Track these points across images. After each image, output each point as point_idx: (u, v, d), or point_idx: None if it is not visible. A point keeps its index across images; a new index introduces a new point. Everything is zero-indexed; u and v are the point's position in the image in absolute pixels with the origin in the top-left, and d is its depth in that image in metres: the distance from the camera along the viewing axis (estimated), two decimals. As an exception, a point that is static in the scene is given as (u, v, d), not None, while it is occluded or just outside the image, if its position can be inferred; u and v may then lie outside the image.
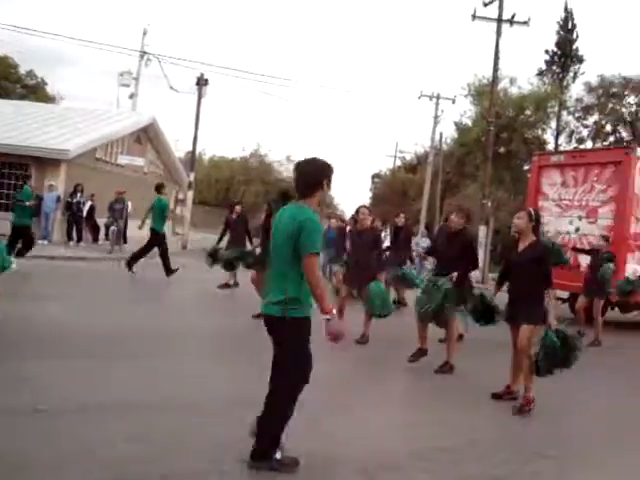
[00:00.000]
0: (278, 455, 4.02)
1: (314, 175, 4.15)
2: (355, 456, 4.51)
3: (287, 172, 50.64)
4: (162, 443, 4.33)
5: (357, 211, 9.66)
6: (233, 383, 6.06)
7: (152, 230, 14.13)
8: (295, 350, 3.99)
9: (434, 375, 7.39)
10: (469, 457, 4.79)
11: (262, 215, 11.54)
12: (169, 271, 13.78)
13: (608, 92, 38.29)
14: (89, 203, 20.99)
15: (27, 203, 13.39)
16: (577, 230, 13.10)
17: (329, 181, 4.18)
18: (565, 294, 13.30)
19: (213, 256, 12.44)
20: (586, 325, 10.90)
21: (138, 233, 15.51)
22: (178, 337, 7.93)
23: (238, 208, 13.64)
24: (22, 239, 13.02)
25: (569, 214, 13.57)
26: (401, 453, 4.71)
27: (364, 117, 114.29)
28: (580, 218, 13.23)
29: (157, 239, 13.92)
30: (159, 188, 14.60)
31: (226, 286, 12.85)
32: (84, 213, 20.49)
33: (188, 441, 4.40)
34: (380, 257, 9.22)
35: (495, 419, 5.95)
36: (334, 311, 4.03)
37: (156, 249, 14.01)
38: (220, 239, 13.16)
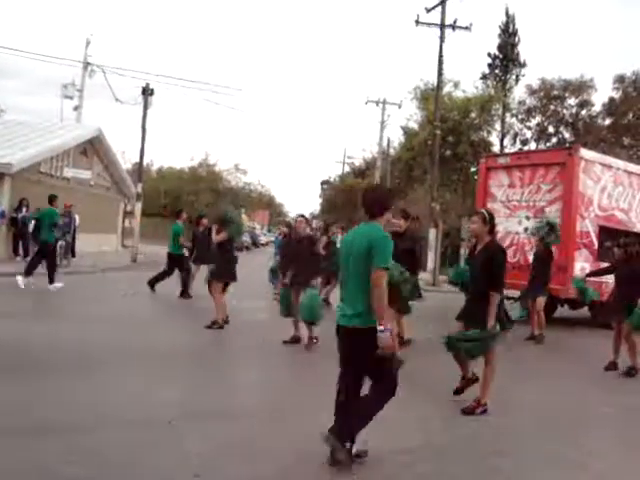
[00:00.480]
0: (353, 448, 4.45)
1: (385, 199, 4.75)
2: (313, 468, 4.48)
3: (235, 181, 50.58)
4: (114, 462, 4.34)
5: (295, 220, 9.89)
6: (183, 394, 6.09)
7: (42, 241, 13.63)
8: (379, 357, 4.34)
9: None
10: (424, 457, 4.85)
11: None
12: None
13: (549, 94, 39.38)
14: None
15: None
16: (526, 230, 13.39)
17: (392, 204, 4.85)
18: (516, 293, 13.64)
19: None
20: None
21: (86, 247, 15.36)
22: (128, 352, 7.87)
23: (205, 221, 13.60)
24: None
25: (517, 214, 13.90)
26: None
27: (312, 125, 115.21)
28: (528, 218, 13.54)
29: (47, 249, 13.49)
30: (51, 199, 14.20)
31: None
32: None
33: (141, 459, 4.43)
34: (317, 264, 9.39)
35: (447, 419, 6.04)
36: (389, 325, 4.35)
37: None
38: (191, 254, 13.26)
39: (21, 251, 19.63)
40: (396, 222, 7.82)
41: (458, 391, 6.62)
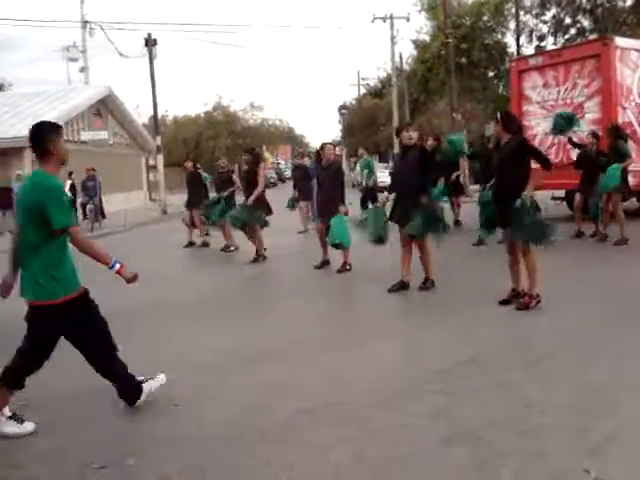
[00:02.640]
0: None
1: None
2: (367, 390, 4.47)
3: (252, 119, 49.97)
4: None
5: (321, 147, 9.78)
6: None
7: None
8: None
9: (423, 296, 7.43)
10: (477, 370, 4.76)
11: (243, 166, 11.60)
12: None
13: (562, -18, 37.62)
14: (68, 182, 20.67)
15: None
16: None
17: None
18: (561, 193, 13.37)
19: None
20: (584, 222, 11.03)
21: (115, 206, 15.34)
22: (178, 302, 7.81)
23: (188, 164, 13.56)
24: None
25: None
26: (412, 379, 4.66)
27: (323, 51, 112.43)
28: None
29: None
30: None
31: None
32: (67, 194, 20.20)
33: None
34: (342, 190, 9.38)
35: (493, 328, 5.95)
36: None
37: None
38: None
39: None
40: (406, 135, 7.62)
41: (505, 301, 6.59)
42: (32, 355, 4.03)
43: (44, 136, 4.07)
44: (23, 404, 4.30)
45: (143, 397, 4.34)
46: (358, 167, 18.73)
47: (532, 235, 6.27)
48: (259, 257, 10.74)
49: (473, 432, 3.68)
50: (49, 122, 4.25)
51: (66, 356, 4.27)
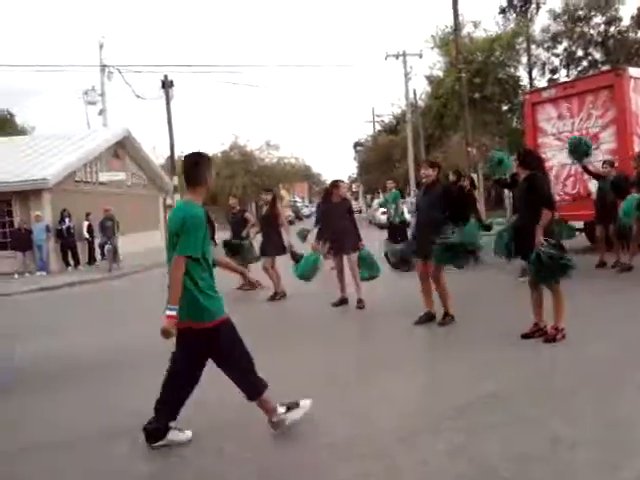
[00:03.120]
0: None
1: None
2: (389, 426, 4.38)
3: (269, 158, 50.35)
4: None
5: (334, 184, 9.77)
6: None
7: None
8: None
9: (444, 332, 7.34)
10: (499, 406, 4.66)
11: (263, 206, 11.69)
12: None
13: (573, 16, 37.91)
14: (86, 223, 20.95)
15: None
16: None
17: None
18: (580, 224, 13.27)
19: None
20: (608, 252, 11.04)
21: (131, 247, 15.43)
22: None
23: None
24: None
25: None
26: (433, 415, 4.57)
27: (337, 89, 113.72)
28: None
29: None
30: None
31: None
32: (85, 234, 20.65)
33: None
34: (355, 225, 9.54)
35: (517, 362, 5.83)
36: None
37: None
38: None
39: (71, 260, 19.95)
40: (424, 173, 7.74)
41: (527, 336, 6.52)
42: (185, 380, 4.26)
43: (202, 166, 4.20)
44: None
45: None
46: (375, 203, 18.94)
47: (551, 276, 6.26)
48: (277, 294, 10.74)
49: (494, 469, 3.57)
50: (205, 153, 4.34)
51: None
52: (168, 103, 25.80)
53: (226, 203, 15.52)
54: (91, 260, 21.09)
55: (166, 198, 32.04)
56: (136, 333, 8.51)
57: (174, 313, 3.94)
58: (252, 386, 4.23)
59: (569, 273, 6.28)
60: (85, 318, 10.84)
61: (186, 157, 4.23)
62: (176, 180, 26.21)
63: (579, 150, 10.18)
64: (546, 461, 3.64)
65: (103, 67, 31.01)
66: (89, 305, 12.77)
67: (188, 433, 4.35)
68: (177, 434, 4.30)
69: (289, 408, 4.37)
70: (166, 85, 25.67)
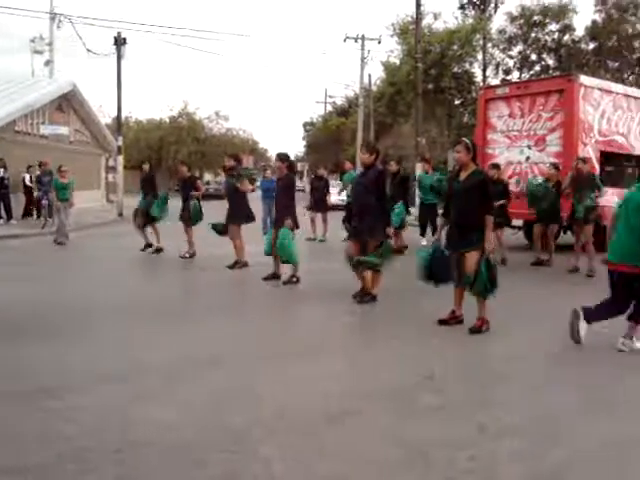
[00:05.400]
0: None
1: None
2: (315, 404, 4.39)
3: (217, 128, 49.74)
4: (113, 417, 4.10)
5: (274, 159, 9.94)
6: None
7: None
8: None
9: (372, 312, 7.46)
10: (427, 391, 4.71)
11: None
12: None
13: (529, 21, 38.53)
14: (27, 176, 20.28)
15: None
16: (527, 159, 13.60)
17: None
18: (520, 222, 13.61)
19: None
20: (542, 251, 11.45)
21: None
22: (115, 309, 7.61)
23: (145, 167, 13.54)
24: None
25: (518, 144, 13.90)
26: (359, 396, 4.58)
27: (292, 66, 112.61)
28: (529, 147, 13.66)
29: None
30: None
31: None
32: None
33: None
34: (291, 203, 9.35)
35: (446, 349, 5.95)
36: None
37: None
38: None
39: (3, 212, 19.17)
40: (362, 157, 7.96)
41: (442, 322, 6.71)
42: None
43: None
44: None
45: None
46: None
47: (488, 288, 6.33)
48: (237, 264, 10.61)
49: (423, 454, 3.63)
50: None
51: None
52: (119, 61, 25.01)
53: (171, 168, 15.35)
54: (26, 215, 20.42)
55: (108, 159, 31.31)
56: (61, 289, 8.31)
57: None
58: None
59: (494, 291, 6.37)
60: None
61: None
62: (121, 141, 25.55)
63: None
64: (472, 448, 3.71)
65: (53, 15, 29.79)
66: (14, 258, 12.40)
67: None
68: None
69: None
70: (118, 42, 24.86)
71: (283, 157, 9.66)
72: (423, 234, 14.00)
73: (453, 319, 6.72)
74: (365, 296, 7.80)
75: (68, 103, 26.32)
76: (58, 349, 5.64)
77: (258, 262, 10.32)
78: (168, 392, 4.60)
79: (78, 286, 9.08)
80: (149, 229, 12.77)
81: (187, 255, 11.82)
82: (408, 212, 13.79)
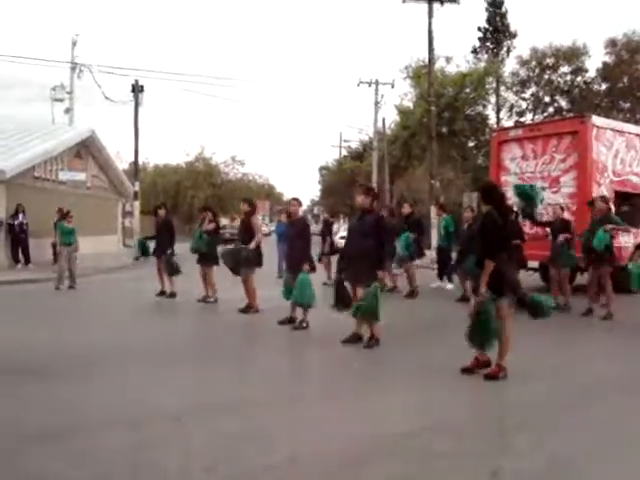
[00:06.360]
0: None
1: None
2: (332, 449, 4.31)
3: (233, 173, 50.26)
4: (121, 462, 4.04)
5: (288, 203, 10.08)
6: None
7: None
8: None
9: (382, 357, 7.35)
10: (441, 437, 4.62)
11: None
12: None
13: (542, 63, 38.91)
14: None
15: None
16: (542, 201, 13.28)
17: None
18: (535, 264, 13.46)
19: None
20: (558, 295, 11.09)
21: (87, 250, 15.15)
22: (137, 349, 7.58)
23: (161, 212, 13.23)
24: None
25: None
26: (372, 442, 4.49)
27: (307, 111, 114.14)
28: (544, 189, 13.42)
29: None
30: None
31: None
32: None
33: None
34: (307, 246, 9.31)
35: (460, 395, 5.82)
36: None
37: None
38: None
39: (21, 258, 19.39)
40: (359, 199, 7.89)
41: (466, 370, 6.43)
42: None
43: None
44: None
45: None
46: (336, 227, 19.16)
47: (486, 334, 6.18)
48: (249, 309, 10.53)
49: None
50: None
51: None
52: (137, 107, 25.59)
53: (186, 213, 15.43)
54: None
55: (125, 204, 31.64)
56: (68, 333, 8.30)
57: None
58: None
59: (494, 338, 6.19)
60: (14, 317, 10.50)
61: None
62: (137, 186, 25.89)
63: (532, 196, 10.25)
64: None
65: (74, 64, 30.51)
66: (22, 304, 12.41)
67: None
68: None
69: None
70: (136, 89, 25.48)
71: (300, 201, 9.92)
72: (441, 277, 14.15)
73: (477, 367, 6.42)
74: (371, 340, 7.71)
75: (87, 149, 26.74)
76: (66, 392, 5.61)
77: (270, 307, 10.30)
78: (177, 438, 4.54)
79: (90, 330, 9.07)
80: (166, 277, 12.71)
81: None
82: (421, 254, 13.67)
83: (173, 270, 12.52)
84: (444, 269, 14.15)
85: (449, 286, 13.85)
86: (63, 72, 45.09)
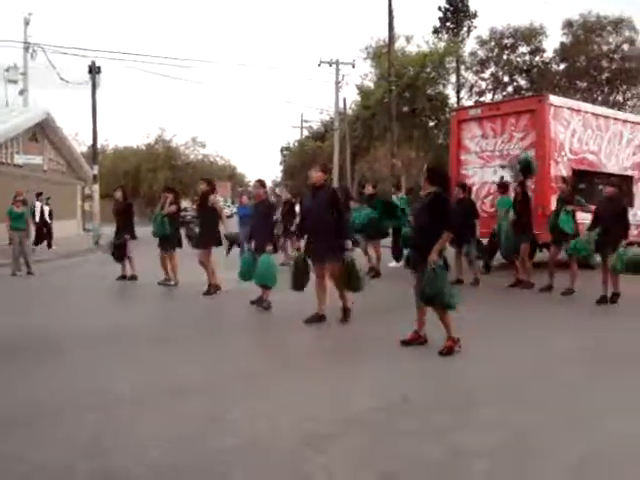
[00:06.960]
0: None
1: None
2: (292, 429, 4.33)
3: (194, 155, 49.73)
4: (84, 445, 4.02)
5: (249, 185, 10.14)
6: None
7: None
8: None
9: (339, 333, 7.46)
10: (405, 412, 4.68)
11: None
12: None
13: (500, 44, 39.24)
14: (38, 205, 20.21)
15: None
16: (502, 179, 13.51)
17: None
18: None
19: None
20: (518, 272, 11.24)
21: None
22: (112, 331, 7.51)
23: (117, 194, 12.97)
24: None
25: (492, 164, 14.07)
26: (336, 420, 4.52)
27: (268, 92, 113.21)
28: (503, 167, 13.69)
29: None
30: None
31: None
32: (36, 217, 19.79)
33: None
34: (272, 227, 9.51)
35: (417, 370, 5.90)
36: None
37: None
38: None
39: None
40: (314, 175, 7.97)
41: (405, 342, 6.64)
42: None
43: None
44: None
45: None
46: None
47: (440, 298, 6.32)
48: (211, 288, 10.56)
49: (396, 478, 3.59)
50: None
51: None
52: (94, 89, 25.02)
53: (147, 196, 15.21)
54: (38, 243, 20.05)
55: (84, 187, 31.13)
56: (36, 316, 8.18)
57: None
58: None
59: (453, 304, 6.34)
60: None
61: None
62: (96, 169, 25.43)
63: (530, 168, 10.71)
64: (445, 471, 3.68)
65: (27, 44, 29.71)
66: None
67: None
68: None
69: None
70: (93, 70, 24.90)
71: (264, 182, 9.96)
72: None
73: (416, 340, 6.67)
74: (345, 311, 7.99)
75: (43, 132, 26.20)
76: (27, 377, 5.54)
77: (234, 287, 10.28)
78: (139, 420, 4.52)
79: (52, 315, 8.93)
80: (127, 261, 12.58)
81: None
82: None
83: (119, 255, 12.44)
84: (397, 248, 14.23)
85: (392, 264, 14.00)
86: (16, 52, 44.03)
